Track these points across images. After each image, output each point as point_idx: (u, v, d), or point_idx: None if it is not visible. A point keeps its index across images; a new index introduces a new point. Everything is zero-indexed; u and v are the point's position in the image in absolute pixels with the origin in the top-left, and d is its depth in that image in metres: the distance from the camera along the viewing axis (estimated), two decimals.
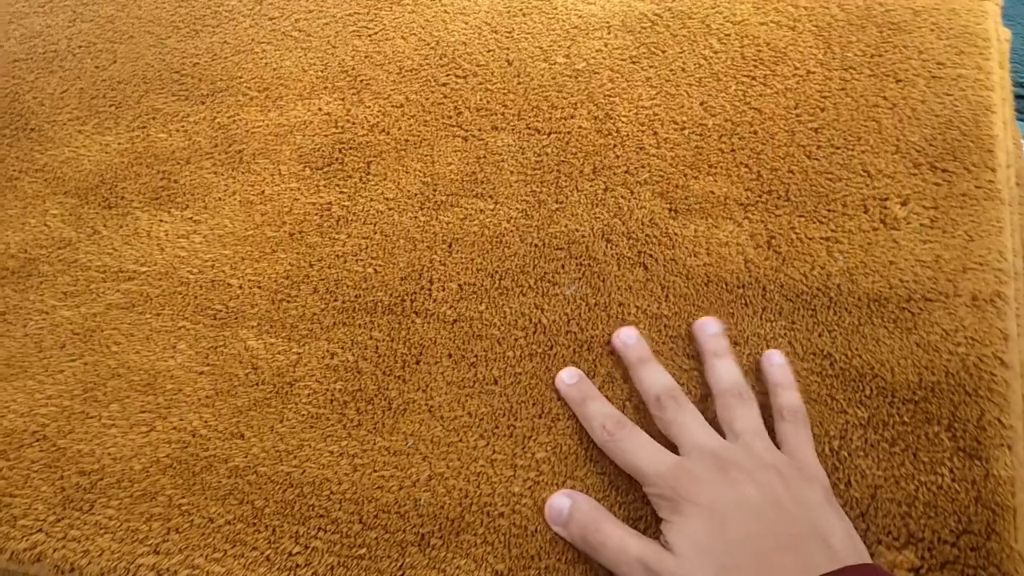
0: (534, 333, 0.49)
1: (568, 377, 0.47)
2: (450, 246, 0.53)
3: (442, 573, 0.43)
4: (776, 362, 0.46)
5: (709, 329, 0.48)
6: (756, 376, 0.47)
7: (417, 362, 0.49)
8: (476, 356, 0.49)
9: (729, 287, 0.49)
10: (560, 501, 0.44)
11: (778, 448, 0.43)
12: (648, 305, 0.49)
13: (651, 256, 0.51)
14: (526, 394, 0.47)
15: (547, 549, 0.43)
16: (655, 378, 0.46)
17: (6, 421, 0.49)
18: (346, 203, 0.56)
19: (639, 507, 0.43)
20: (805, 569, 0.37)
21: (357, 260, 0.53)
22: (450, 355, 0.49)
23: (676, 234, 0.52)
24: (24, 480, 0.47)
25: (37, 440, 0.48)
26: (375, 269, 0.53)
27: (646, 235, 0.52)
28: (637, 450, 0.43)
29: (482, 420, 0.47)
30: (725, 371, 0.46)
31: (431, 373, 0.49)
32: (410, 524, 0.44)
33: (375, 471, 0.46)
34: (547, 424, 0.46)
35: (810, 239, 0.50)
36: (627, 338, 0.48)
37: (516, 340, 0.49)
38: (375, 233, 0.54)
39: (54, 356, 0.52)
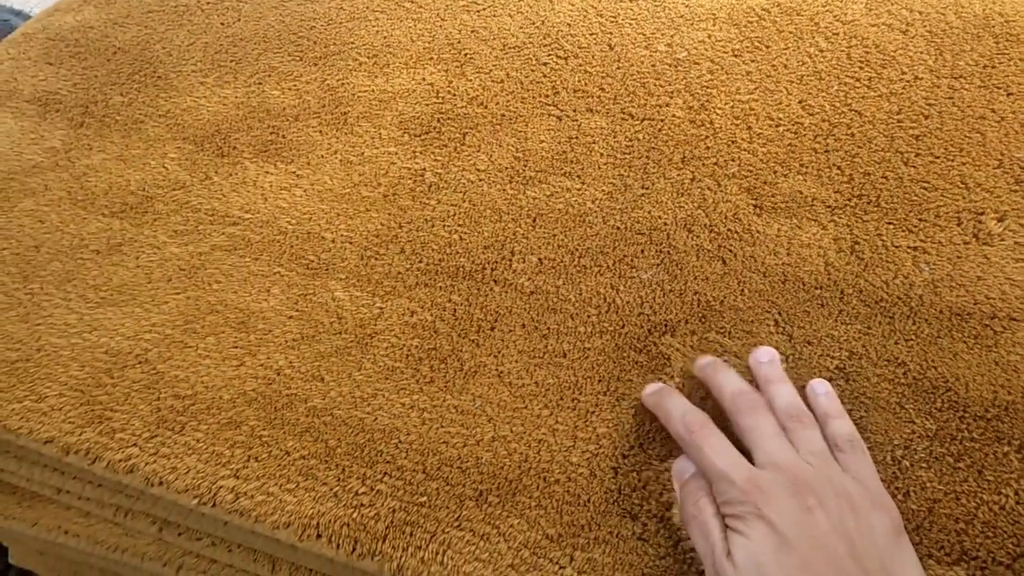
0: (607, 312, 0.51)
1: (650, 389, 0.48)
2: (534, 221, 0.55)
3: (496, 529, 0.45)
4: (822, 392, 0.46)
5: (764, 357, 0.47)
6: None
7: (492, 328, 0.51)
8: (549, 328, 0.51)
9: (806, 287, 0.49)
10: (684, 465, 0.44)
11: None
12: (724, 296, 0.50)
13: (730, 251, 0.51)
14: (593, 370, 0.49)
15: (598, 520, 0.44)
16: (733, 380, 0.45)
17: (113, 342, 0.53)
18: (439, 171, 0.58)
19: None
20: None
21: (444, 226, 0.56)
22: (524, 325, 0.51)
23: (759, 232, 0.52)
24: (125, 398, 0.51)
25: (139, 363, 0.52)
26: (460, 236, 0.55)
27: (728, 230, 0.52)
28: (713, 452, 0.42)
29: (548, 390, 0.48)
30: (783, 394, 0.45)
31: (504, 340, 0.51)
32: (470, 480, 0.46)
33: (442, 427, 0.48)
34: (611, 402, 0.48)
35: (896, 247, 0.50)
36: (702, 360, 0.48)
37: (589, 317, 0.51)
38: (464, 202, 0.56)
39: (160, 288, 0.56)
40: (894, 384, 0.46)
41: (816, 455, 0.42)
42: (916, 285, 0.48)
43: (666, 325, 0.50)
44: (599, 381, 0.48)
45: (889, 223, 0.51)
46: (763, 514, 0.39)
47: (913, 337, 0.47)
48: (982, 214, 0.50)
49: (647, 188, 0.55)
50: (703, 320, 0.50)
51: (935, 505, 0.42)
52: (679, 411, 0.45)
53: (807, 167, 0.53)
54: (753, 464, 0.42)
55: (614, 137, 0.57)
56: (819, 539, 0.38)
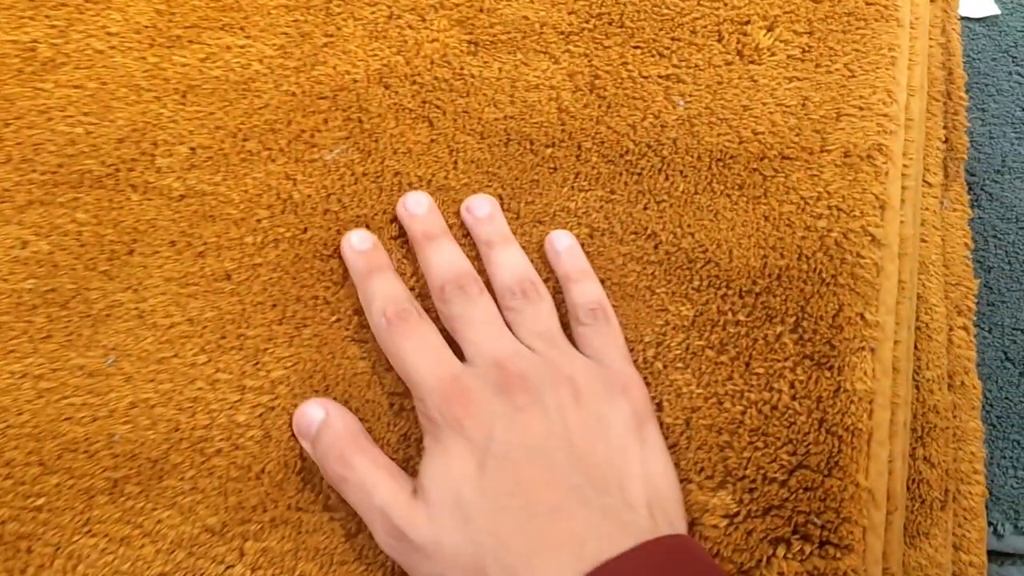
0: (282, 212, 0.38)
1: (358, 241, 0.36)
2: (184, 96, 0.40)
3: (138, 528, 0.33)
4: (562, 246, 0.36)
5: (480, 211, 0.36)
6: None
7: (130, 252, 0.38)
8: (206, 244, 0.38)
9: (535, 148, 0.38)
10: (312, 411, 0.34)
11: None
12: (432, 174, 0.38)
13: (438, 107, 0.39)
14: (265, 293, 0.36)
15: (274, 496, 0.33)
16: (444, 260, 0.35)
17: None
18: (56, 40, 0.42)
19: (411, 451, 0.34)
20: (583, 544, 0.28)
21: (64, 117, 0.40)
22: (172, 242, 0.38)
23: (474, 76, 0.39)
24: None
25: None
26: (86, 129, 0.40)
27: (435, 77, 0.39)
28: (413, 350, 0.33)
29: (205, 328, 0.36)
30: (506, 262, 0.35)
31: (146, 267, 0.37)
32: (100, 467, 0.34)
33: (64, 398, 0.35)
34: (289, 333, 0.36)
35: (645, 78, 0.38)
36: (415, 206, 0.37)
37: (259, 222, 0.38)
38: (90, 80, 0.41)
39: None
40: (643, 264, 0.35)
41: (540, 336, 0.33)
42: (669, 126, 0.37)
43: (360, 221, 0.37)
44: (273, 307, 0.36)
45: (636, 47, 0.39)
46: (463, 426, 0.31)
47: (666, 198, 0.36)
48: (747, 23, 0.38)
49: (331, 36, 0.41)
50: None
51: (692, 415, 0.33)
52: (382, 297, 0.34)
53: None
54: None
55: None
56: (530, 447, 0.30)
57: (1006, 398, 0.44)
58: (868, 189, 0.35)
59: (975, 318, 0.43)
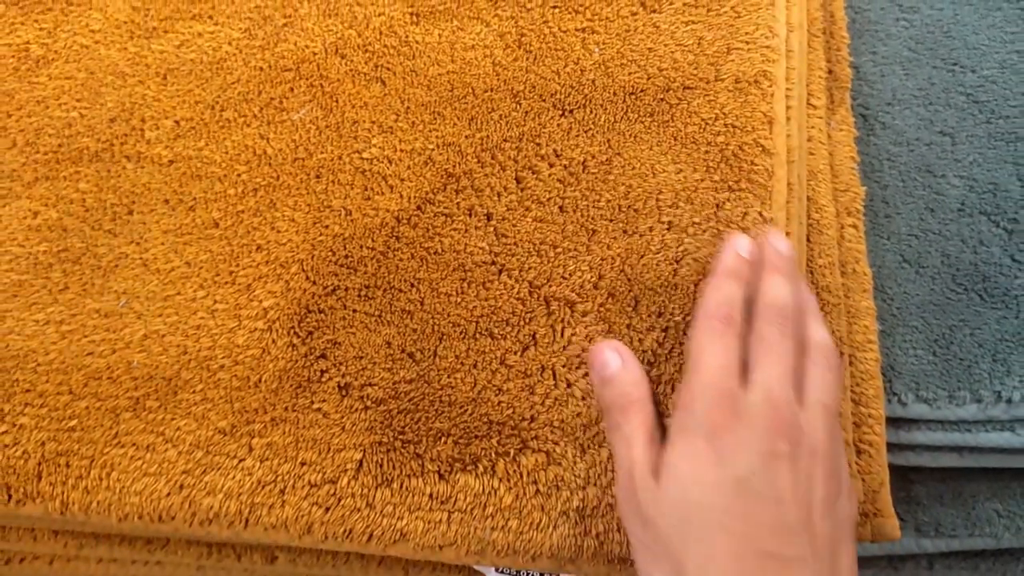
0: (258, 166, 0.44)
1: (741, 247, 0.38)
2: (164, 78, 0.46)
3: (160, 436, 0.39)
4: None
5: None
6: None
7: (129, 212, 0.43)
8: (195, 199, 0.43)
9: (476, 92, 0.44)
10: (609, 357, 0.37)
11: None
12: (384, 119, 0.44)
13: (389, 69, 0.45)
14: (248, 236, 0.42)
15: (272, 400, 0.39)
16: (780, 291, 0.36)
17: None
18: (46, 40, 0.48)
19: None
20: None
21: (60, 104, 0.46)
22: (166, 200, 0.43)
23: (418, 42, 0.45)
24: None
25: None
26: (80, 113, 0.46)
27: (384, 46, 0.45)
28: (716, 350, 0.34)
29: (201, 268, 0.42)
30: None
31: (145, 223, 0.43)
32: (123, 389, 0.40)
33: (85, 336, 0.41)
34: (275, 271, 0.41)
35: (564, 32, 0.44)
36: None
37: (239, 176, 0.43)
38: (79, 72, 0.47)
39: None
40: (568, 186, 0.42)
41: (816, 402, 0.34)
42: (587, 70, 0.44)
43: (323, 165, 0.43)
44: (258, 249, 0.42)
45: (554, 7, 0.45)
46: (720, 438, 0.32)
47: (591, 126, 0.42)
48: None
49: (289, 16, 0.47)
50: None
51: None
52: (724, 294, 0.36)
53: None
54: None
55: None
56: (771, 493, 0.31)
57: (904, 292, 0.51)
58: (757, 108, 0.42)
59: (876, 227, 0.49)
